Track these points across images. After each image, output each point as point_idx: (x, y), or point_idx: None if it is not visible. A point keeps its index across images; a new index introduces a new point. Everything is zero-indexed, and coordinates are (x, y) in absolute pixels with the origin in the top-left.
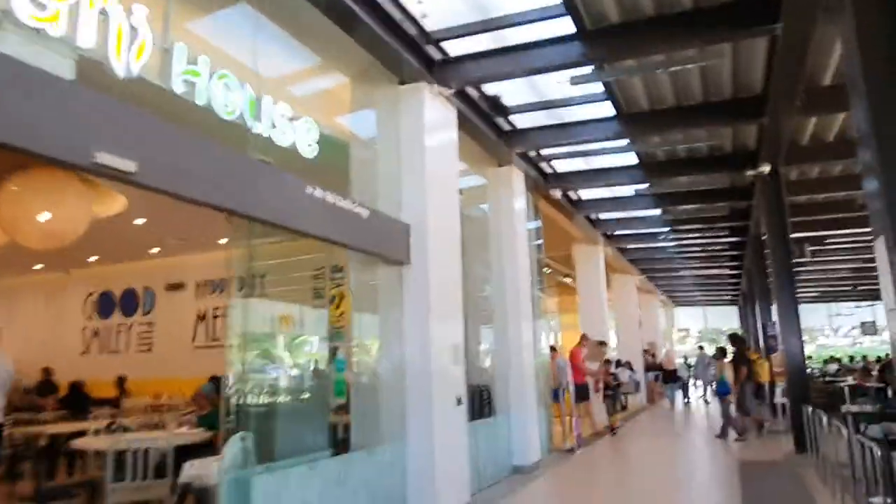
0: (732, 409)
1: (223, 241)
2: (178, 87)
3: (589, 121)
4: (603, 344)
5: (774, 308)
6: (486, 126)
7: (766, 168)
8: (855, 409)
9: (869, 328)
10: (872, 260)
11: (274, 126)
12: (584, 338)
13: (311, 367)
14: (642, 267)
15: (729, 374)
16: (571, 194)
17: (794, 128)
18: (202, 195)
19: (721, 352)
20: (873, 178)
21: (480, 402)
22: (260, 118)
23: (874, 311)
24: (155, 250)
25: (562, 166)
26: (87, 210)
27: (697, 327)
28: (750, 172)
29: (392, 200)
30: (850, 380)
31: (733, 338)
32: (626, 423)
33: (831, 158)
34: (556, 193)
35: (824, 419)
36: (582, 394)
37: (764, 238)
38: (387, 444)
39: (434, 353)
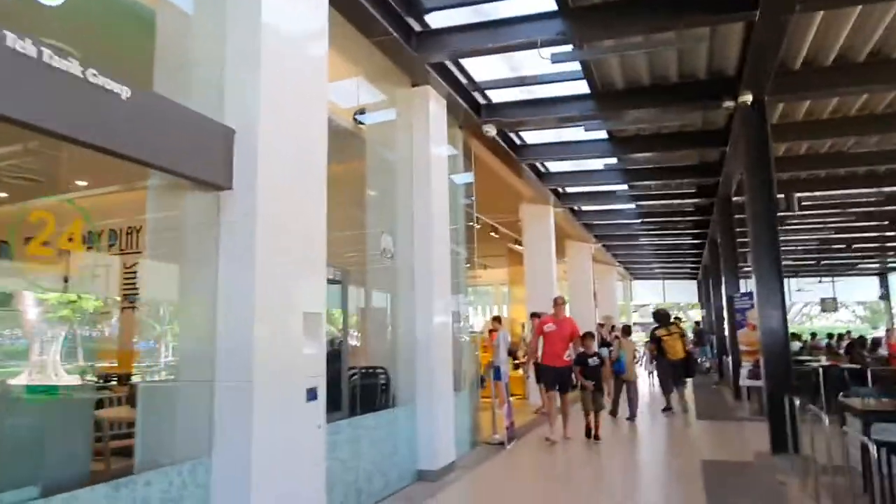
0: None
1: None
2: None
3: (524, 17)
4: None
5: (746, 281)
6: (386, 21)
7: (747, 97)
8: (858, 402)
9: (829, 305)
10: (842, 230)
11: None
12: (559, 302)
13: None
14: (598, 233)
15: (628, 353)
16: (514, 138)
17: (788, 39)
18: None
19: (626, 330)
20: None
21: (373, 390)
22: None
23: (835, 288)
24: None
25: (498, 97)
26: None
27: (656, 302)
28: (728, 104)
29: (211, 95)
30: (822, 360)
31: (655, 315)
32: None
33: (827, 87)
34: (491, 130)
35: (824, 418)
36: (561, 380)
37: (735, 200)
38: (183, 462)
39: (262, 322)
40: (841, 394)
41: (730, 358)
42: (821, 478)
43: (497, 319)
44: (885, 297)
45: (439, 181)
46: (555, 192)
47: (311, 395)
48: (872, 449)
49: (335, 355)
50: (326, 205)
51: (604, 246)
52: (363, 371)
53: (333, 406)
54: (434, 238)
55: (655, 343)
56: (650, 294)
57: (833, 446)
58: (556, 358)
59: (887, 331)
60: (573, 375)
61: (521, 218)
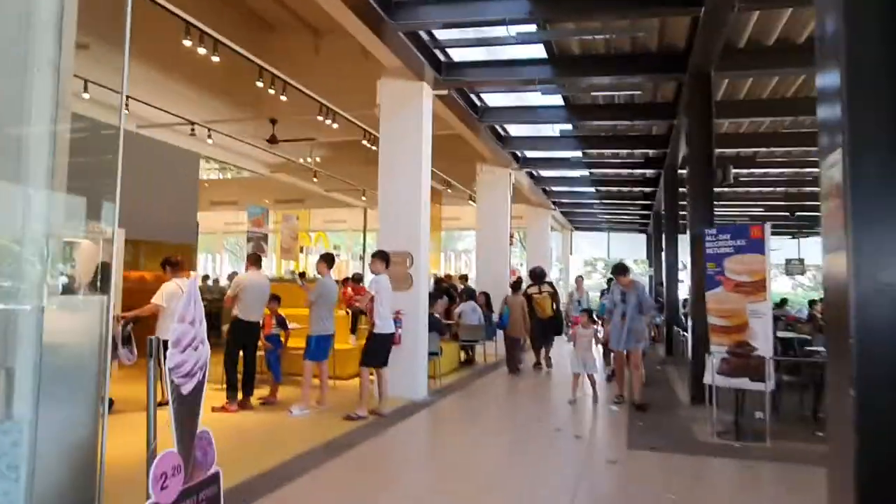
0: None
1: None
2: None
3: None
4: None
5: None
6: None
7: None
8: None
9: (796, 268)
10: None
11: None
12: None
13: None
14: (515, 150)
15: (515, 310)
16: None
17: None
18: None
19: (514, 286)
20: None
21: None
22: None
23: (800, 247)
24: None
25: None
26: None
27: (601, 257)
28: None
29: None
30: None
31: (531, 273)
32: (443, 399)
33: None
34: None
35: None
36: None
37: (681, 173)
38: None
39: None
40: None
41: (689, 333)
42: None
43: (326, 259)
44: None
45: None
46: (426, 52)
47: None
48: None
49: None
50: None
51: (530, 174)
52: None
53: None
54: None
55: (527, 300)
56: (592, 248)
57: None
58: None
59: None
60: None
61: (377, 102)
